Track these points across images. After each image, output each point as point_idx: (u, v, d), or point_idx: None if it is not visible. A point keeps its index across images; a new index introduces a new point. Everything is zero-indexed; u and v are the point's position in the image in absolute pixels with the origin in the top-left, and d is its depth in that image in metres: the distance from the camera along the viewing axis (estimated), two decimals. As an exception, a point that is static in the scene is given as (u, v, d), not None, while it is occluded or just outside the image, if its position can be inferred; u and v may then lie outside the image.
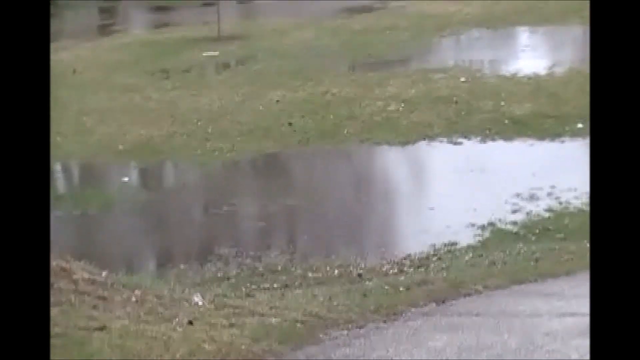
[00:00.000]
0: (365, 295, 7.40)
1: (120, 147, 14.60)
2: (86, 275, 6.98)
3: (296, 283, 8.89)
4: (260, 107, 16.29)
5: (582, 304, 6.60)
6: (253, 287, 8.72)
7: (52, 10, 32.23)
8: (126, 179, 13.53)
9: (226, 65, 20.60)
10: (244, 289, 8.51)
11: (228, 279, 9.30)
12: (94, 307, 6.47)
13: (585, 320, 4.68)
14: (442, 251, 9.77)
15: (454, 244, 10.02)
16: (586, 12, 22.88)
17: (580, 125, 14.00)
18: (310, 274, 9.21)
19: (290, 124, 15.17)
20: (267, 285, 8.79)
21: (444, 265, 8.82)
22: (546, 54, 19.82)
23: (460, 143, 13.86)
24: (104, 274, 7.20)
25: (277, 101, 16.57)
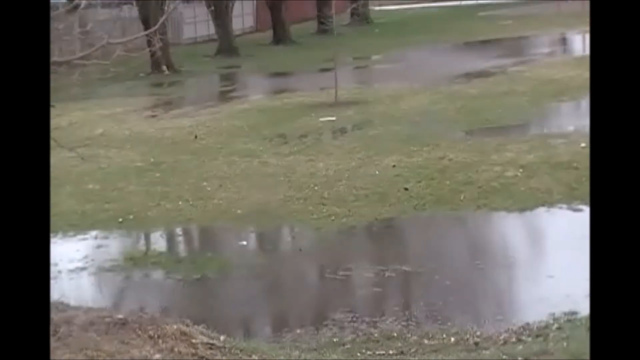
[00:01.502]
0: (482, 364, 7.29)
1: (239, 211, 14.84)
2: (205, 340, 7.09)
3: (412, 350, 8.81)
4: (376, 172, 16.36)
5: None
6: (368, 353, 8.69)
7: (176, 78, 33.32)
8: (244, 243, 13.73)
9: (342, 131, 20.79)
10: (359, 355, 8.48)
11: (343, 344, 9.28)
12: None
13: None
14: (561, 320, 9.53)
15: (574, 313, 9.77)
16: None
17: None
18: (425, 341, 9.11)
19: (406, 189, 15.17)
20: (382, 352, 8.73)
21: (564, 335, 8.61)
22: (669, 118, 19.37)
23: (580, 210, 13.59)
24: (222, 338, 7.30)
25: (393, 166, 16.61)
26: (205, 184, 16.63)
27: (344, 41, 33.47)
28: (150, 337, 7.04)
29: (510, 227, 13.77)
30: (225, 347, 6.96)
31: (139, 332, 7.05)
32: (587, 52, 30.59)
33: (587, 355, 7.22)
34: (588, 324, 9.14)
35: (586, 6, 36.59)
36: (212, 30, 40.79)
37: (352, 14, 44.26)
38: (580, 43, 33.35)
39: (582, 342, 8.04)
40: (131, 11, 37.24)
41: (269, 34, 42.25)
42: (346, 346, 9.16)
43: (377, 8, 46.83)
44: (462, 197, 14.58)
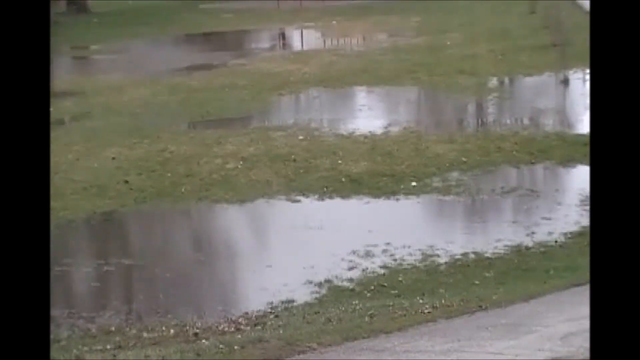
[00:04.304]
0: (199, 354, 7.30)
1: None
2: None
3: (130, 344, 8.67)
4: (95, 165, 15.99)
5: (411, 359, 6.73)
6: (85, 349, 8.46)
7: None
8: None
9: (59, 122, 20.11)
10: (75, 352, 8.25)
11: (59, 341, 8.99)
12: None
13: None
14: (279, 309, 9.76)
15: (291, 301, 10.05)
16: (418, 74, 23.65)
17: (414, 184, 14.37)
18: (145, 334, 9.01)
19: (126, 181, 14.94)
20: (99, 347, 8.54)
21: (280, 323, 8.81)
22: (382, 113, 20.32)
23: (298, 201, 13.96)
24: None
25: (113, 159, 16.31)
26: None
27: (60, 30, 32.40)
28: None
29: (231, 219, 13.91)
30: None
31: None
32: (305, 47, 31.45)
33: (301, 342, 7.42)
34: (303, 311, 9.43)
35: (304, 4, 37.80)
36: None
37: (68, 2, 42.95)
38: (298, 39, 34.27)
39: (297, 329, 8.25)
40: None
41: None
42: (61, 343, 8.89)
43: (97, -3, 45.75)
44: (183, 190, 14.56)
